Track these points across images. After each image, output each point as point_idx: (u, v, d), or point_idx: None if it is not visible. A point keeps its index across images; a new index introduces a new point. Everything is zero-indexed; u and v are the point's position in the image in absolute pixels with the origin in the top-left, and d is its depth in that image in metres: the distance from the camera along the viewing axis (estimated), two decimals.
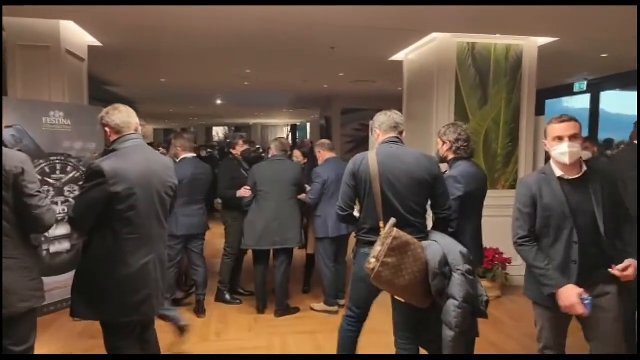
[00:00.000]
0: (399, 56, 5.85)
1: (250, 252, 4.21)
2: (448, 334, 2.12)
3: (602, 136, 7.96)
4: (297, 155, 4.81)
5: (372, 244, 2.24)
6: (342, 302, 4.11)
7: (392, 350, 2.50)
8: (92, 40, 5.02)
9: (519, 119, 4.91)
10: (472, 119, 4.80)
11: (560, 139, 2.14)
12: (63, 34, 4.35)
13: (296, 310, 4.08)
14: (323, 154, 4.14)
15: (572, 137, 2.13)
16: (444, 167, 2.80)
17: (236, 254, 4.26)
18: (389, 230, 2.15)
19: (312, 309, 4.13)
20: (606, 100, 8.39)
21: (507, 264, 4.47)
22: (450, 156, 2.68)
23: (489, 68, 4.83)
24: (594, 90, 8.27)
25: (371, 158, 2.35)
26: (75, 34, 4.64)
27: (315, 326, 3.79)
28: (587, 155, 5.68)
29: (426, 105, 5.06)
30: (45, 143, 3.85)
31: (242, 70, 7.31)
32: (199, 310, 3.97)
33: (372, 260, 2.14)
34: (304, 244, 4.25)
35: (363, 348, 2.67)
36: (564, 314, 2.13)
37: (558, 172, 2.19)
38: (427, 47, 5.12)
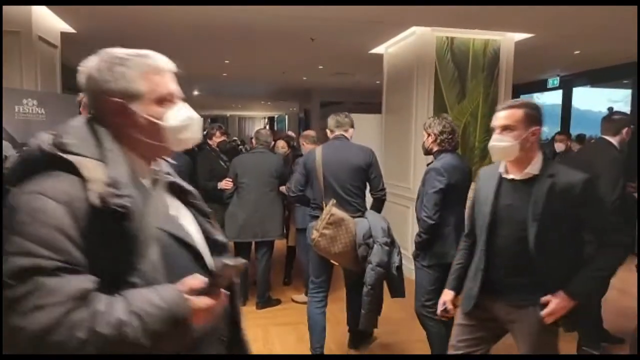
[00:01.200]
0: (379, 49, 5.87)
1: (230, 245, 4.17)
2: (364, 290, 2.65)
3: (572, 132, 8.20)
4: (282, 145, 4.78)
5: (317, 218, 2.77)
6: None
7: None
8: (65, 27, 4.87)
9: None
10: (451, 112, 4.87)
11: (493, 130, 1.81)
12: (35, 20, 4.20)
13: (277, 301, 4.09)
14: (307, 147, 4.15)
15: (504, 129, 1.75)
16: (429, 159, 2.86)
17: None
18: (329, 209, 2.68)
19: (293, 300, 4.15)
20: (575, 96, 8.65)
21: None
22: (435, 148, 2.71)
23: (467, 63, 4.90)
24: (566, 87, 8.51)
25: (317, 152, 2.94)
26: (48, 19, 4.48)
27: (297, 317, 3.81)
28: (560, 147, 5.86)
29: (406, 98, 5.11)
30: (18, 132, 3.71)
31: (221, 61, 7.22)
32: None
33: (314, 231, 2.70)
34: (285, 235, 4.26)
35: None
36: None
37: (502, 168, 1.85)
38: (407, 41, 5.16)
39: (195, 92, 12.43)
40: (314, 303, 2.95)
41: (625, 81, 7.98)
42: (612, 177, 2.86)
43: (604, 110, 9.84)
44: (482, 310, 1.91)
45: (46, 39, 4.48)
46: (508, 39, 4.98)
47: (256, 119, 22.79)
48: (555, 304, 1.71)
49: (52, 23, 4.62)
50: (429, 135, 2.72)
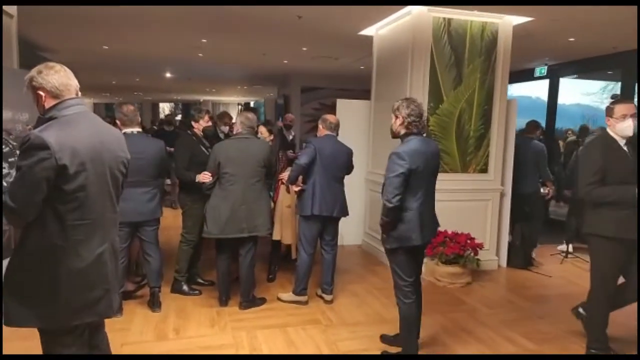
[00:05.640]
0: (369, 31, 5.54)
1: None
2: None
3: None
4: (263, 131, 4.38)
5: None
6: (328, 296, 3.84)
7: None
8: None
9: (492, 101, 4.77)
10: (446, 99, 4.61)
11: None
12: None
13: (262, 301, 3.76)
14: (322, 131, 3.81)
15: None
16: (397, 142, 2.79)
17: (195, 241, 3.86)
18: None
19: (279, 299, 3.83)
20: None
21: (479, 249, 4.37)
22: (402, 131, 2.72)
23: (464, 46, 4.63)
24: (554, 76, 8.35)
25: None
26: None
27: (285, 318, 3.50)
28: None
29: (398, 84, 4.80)
30: None
31: (197, 40, 6.73)
32: (154, 304, 3.55)
33: None
34: (270, 231, 3.92)
35: None
36: None
37: None
38: (401, 22, 4.84)
39: (168, 75, 11.80)
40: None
41: (609, 72, 7.92)
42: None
43: (576, 102, 9.86)
44: None
45: None
46: (506, 23, 4.72)
47: (230, 105, 22.10)
48: None
49: None
50: (397, 117, 2.72)
